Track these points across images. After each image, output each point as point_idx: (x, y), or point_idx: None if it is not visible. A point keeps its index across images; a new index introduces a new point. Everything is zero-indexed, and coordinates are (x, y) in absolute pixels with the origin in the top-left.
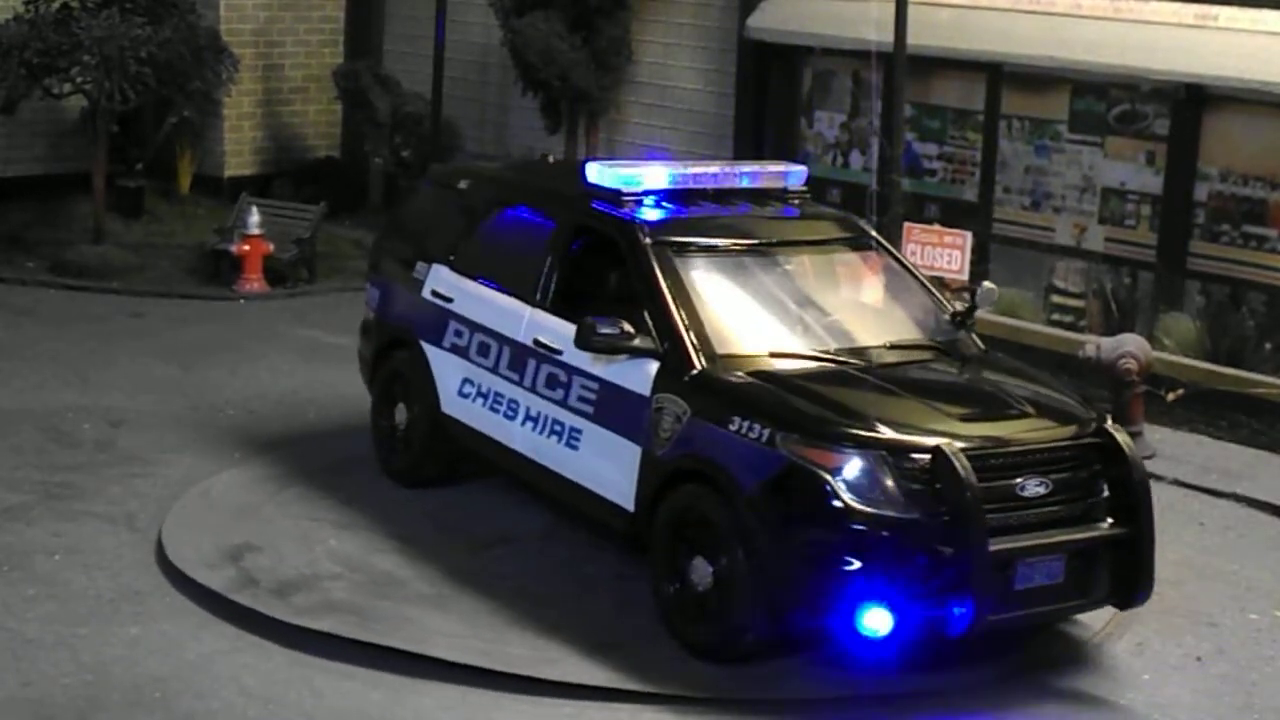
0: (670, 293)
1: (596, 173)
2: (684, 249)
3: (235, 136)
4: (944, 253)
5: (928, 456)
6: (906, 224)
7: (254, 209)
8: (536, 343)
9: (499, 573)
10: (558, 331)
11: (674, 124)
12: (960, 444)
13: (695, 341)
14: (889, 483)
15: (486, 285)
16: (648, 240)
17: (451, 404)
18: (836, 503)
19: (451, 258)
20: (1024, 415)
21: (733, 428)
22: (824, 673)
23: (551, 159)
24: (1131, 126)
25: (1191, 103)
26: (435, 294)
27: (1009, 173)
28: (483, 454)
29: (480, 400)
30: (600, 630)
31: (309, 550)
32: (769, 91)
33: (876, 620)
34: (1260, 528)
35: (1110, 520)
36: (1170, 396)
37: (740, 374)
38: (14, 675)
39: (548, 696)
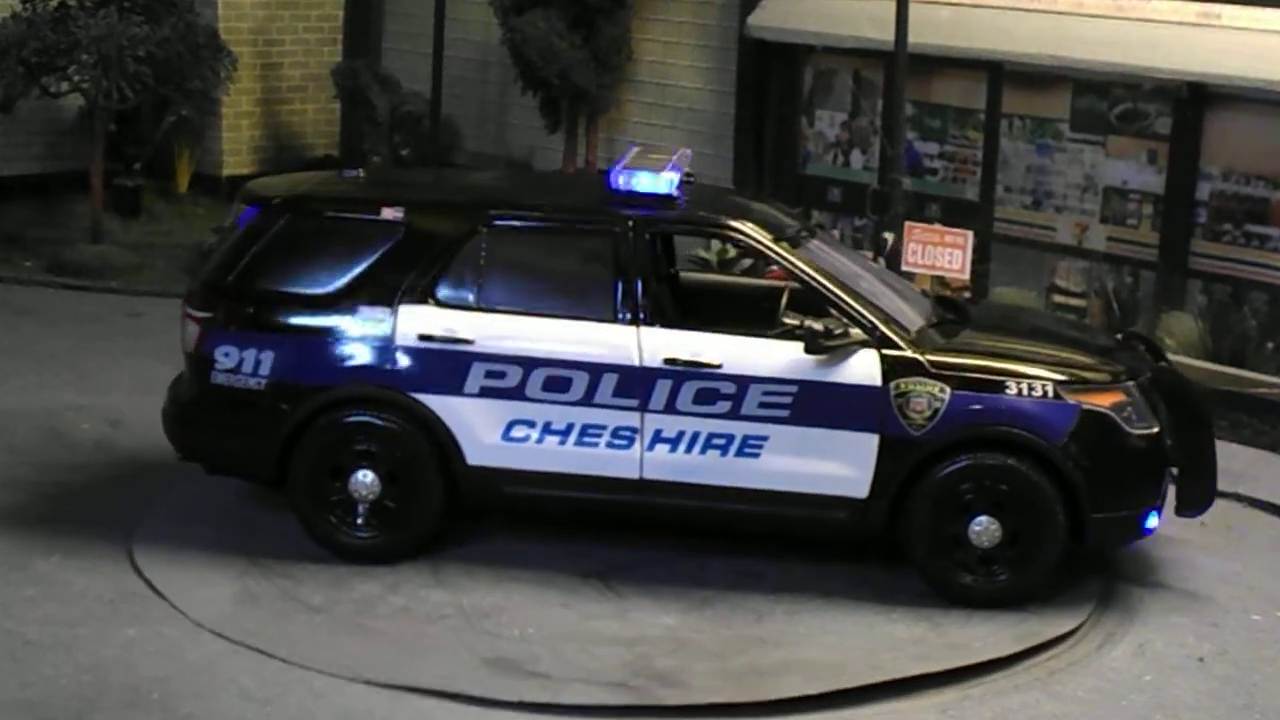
0: (837, 284)
1: (641, 180)
2: (794, 241)
3: (233, 135)
4: (945, 252)
5: (1148, 376)
6: (907, 223)
7: None
8: (672, 362)
9: (693, 600)
10: (700, 346)
11: (674, 123)
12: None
13: (892, 325)
14: (1143, 405)
15: (528, 317)
16: (768, 238)
17: (490, 453)
18: (1122, 432)
19: (429, 296)
20: (1120, 341)
21: (1011, 391)
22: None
23: (377, 160)
24: (1133, 125)
25: (1194, 101)
26: (429, 338)
27: (1010, 172)
28: (554, 497)
29: (556, 438)
30: (922, 617)
31: (527, 644)
32: (770, 90)
33: (1154, 521)
34: (1262, 528)
35: None
36: None
37: (952, 344)
38: (12, 676)
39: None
